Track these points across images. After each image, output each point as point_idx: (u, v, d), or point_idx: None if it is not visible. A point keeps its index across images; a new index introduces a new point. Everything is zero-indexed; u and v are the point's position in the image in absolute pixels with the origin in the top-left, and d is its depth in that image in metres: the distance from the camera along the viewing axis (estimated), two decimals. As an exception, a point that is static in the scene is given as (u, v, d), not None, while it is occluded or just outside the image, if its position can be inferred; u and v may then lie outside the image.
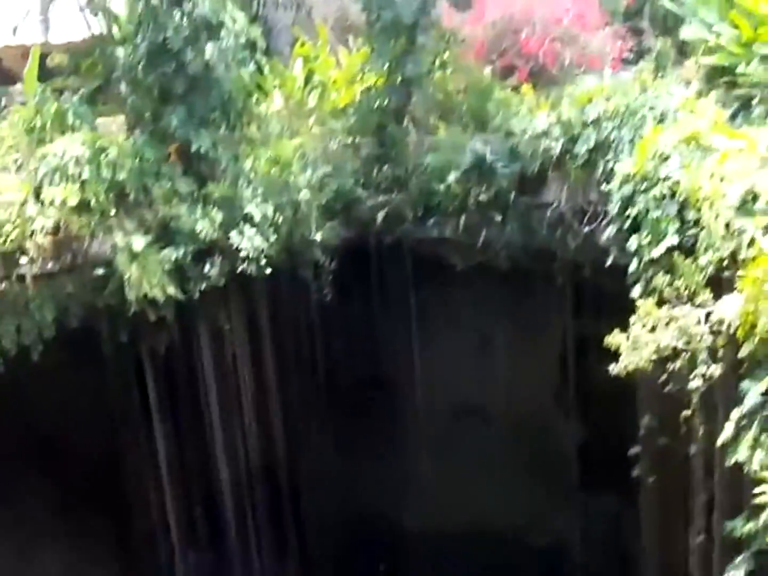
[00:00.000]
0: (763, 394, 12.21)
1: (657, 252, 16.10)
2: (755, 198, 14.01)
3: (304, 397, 28.93)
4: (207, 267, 20.94)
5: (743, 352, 12.56)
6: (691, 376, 13.86)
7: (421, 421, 27.62)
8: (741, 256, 13.27)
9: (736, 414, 12.54)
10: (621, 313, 15.73)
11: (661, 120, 19.62)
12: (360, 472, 32.81)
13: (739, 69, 19.40)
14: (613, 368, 14.62)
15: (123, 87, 22.01)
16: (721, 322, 13.19)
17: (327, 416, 30.19)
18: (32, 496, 32.00)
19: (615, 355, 14.76)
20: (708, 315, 13.64)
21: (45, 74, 24.84)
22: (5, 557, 31.72)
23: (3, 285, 19.00)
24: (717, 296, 13.72)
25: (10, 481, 31.38)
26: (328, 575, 34.55)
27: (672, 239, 15.86)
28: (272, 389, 25.22)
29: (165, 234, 20.78)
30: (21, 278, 19.16)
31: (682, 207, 16.07)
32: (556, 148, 21.83)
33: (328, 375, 29.76)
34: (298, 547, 29.37)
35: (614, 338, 14.56)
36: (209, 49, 20.98)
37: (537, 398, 30.84)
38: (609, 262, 19.17)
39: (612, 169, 19.26)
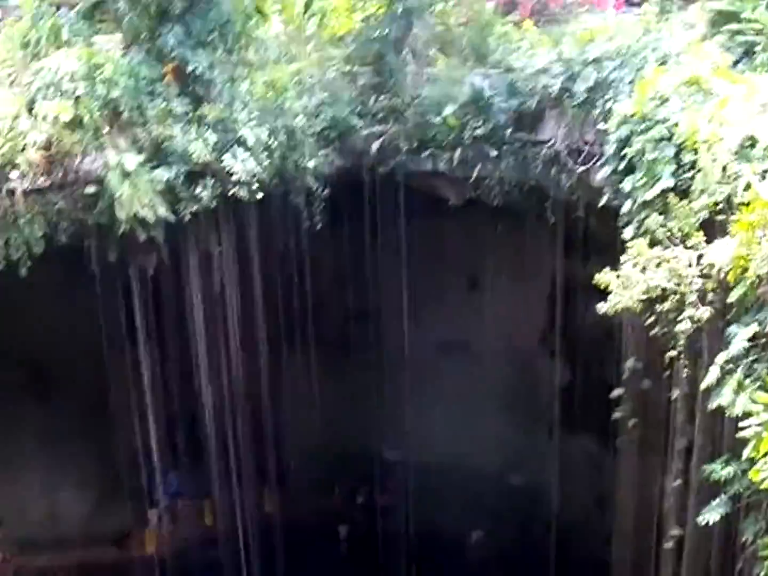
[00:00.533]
0: (749, 340, 12.25)
1: (651, 194, 15.99)
2: (754, 143, 13.95)
3: (291, 325, 28.97)
4: (198, 189, 20.78)
5: (732, 297, 12.58)
6: (679, 319, 13.84)
7: (407, 355, 27.66)
8: (736, 201, 13.22)
9: (721, 358, 12.59)
10: (611, 256, 15.72)
11: (663, 62, 19.39)
12: (343, 403, 32.99)
13: (745, 15, 19.18)
14: (602, 307, 14.62)
15: (120, 4, 21.60)
16: (712, 265, 13.17)
17: (313, 346, 30.27)
18: (17, 415, 32.18)
19: (603, 297, 14.76)
20: (699, 258, 13.62)
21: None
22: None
23: (-7, 198, 18.89)
24: (709, 240, 13.69)
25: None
26: (307, 503, 34.92)
27: (667, 181, 15.75)
28: (259, 316, 25.17)
29: (158, 154, 20.56)
30: (11, 193, 19.02)
31: (680, 150, 15.95)
32: (555, 85, 21.61)
33: (316, 304, 29.78)
34: (277, 474, 29.55)
35: (604, 276, 14.54)
36: (208, -31, 20.72)
37: (523, 337, 30.98)
38: (602, 202, 19.03)
39: (610, 109, 19.06)
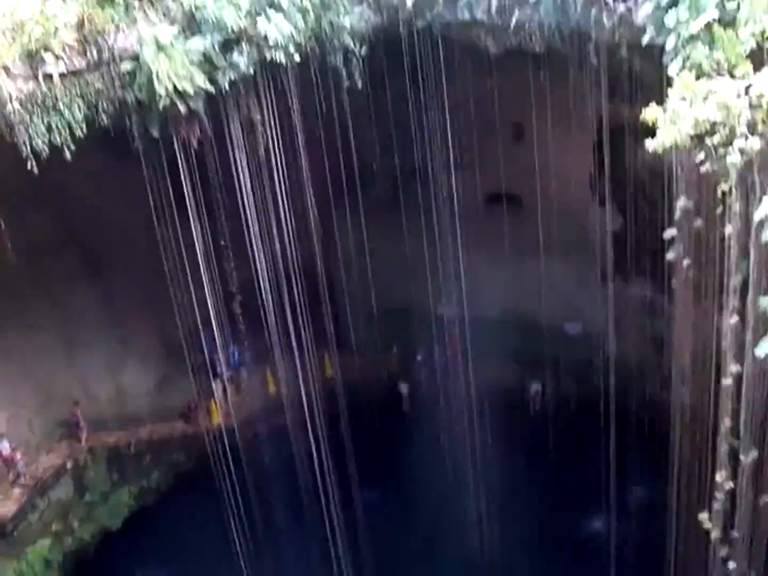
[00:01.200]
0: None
1: (696, 26, 15.53)
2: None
3: (339, 189, 28.92)
4: (235, 56, 20.54)
5: (783, 125, 12.33)
6: (729, 152, 13.58)
7: (457, 210, 27.50)
8: (784, 28, 12.87)
9: (774, 189, 12.43)
10: (657, 96, 15.37)
11: None
12: (396, 263, 33.19)
13: None
14: (650, 144, 14.36)
15: None
16: (761, 95, 12.87)
17: (362, 208, 30.27)
18: (75, 299, 32.75)
19: (651, 138, 14.50)
20: (748, 88, 13.29)
21: None
22: (55, 352, 32.73)
23: (30, 85, 18.81)
24: (757, 69, 13.35)
25: (58, 283, 32.12)
26: (367, 364, 35.43)
27: (712, 12, 15.28)
28: (306, 181, 25.10)
29: (191, 24, 20.33)
30: (48, 77, 18.93)
31: (724, -21, 15.43)
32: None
33: (363, 166, 29.68)
34: (335, 338, 29.93)
35: (651, 112, 14.23)
36: None
37: (572, 185, 30.73)
38: (646, 40, 18.49)
39: (650, -57, 18.38)
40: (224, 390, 34.35)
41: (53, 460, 31.78)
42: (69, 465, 31.87)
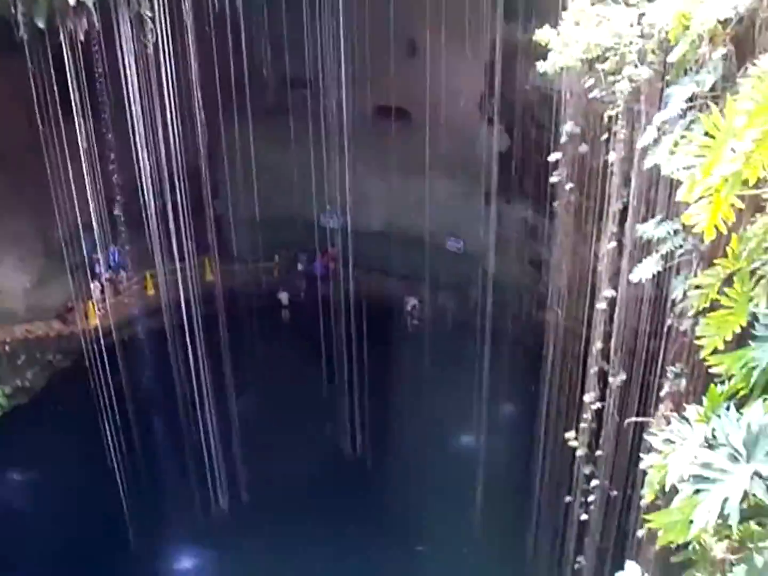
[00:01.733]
0: (687, 101, 12.26)
1: (592, -47, 15.59)
2: None
3: (227, 94, 28.49)
4: (126, -53, 19.95)
5: (672, 57, 12.48)
6: (618, 78, 13.79)
7: (347, 122, 27.38)
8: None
9: (659, 119, 12.62)
10: (552, 21, 15.44)
11: None
12: (283, 171, 32.98)
13: None
14: (542, 66, 14.49)
15: None
16: (652, 25, 13.02)
17: (251, 114, 29.93)
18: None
19: (543, 60, 14.62)
20: (640, 17, 13.45)
21: None
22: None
23: None
24: None
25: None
26: (248, 271, 35.32)
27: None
28: (195, 84, 24.55)
29: None
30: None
31: None
32: None
33: (253, 72, 29.24)
34: (217, 244, 29.72)
35: (544, 34, 14.34)
36: None
37: (461, 104, 30.84)
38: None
39: None
40: (102, 291, 33.92)
41: None
42: (-61, 362, 31.18)
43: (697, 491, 4.61)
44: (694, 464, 4.74)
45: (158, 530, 27.99)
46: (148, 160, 24.06)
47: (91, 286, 33.41)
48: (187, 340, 25.29)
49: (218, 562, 27.78)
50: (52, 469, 29.93)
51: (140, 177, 24.30)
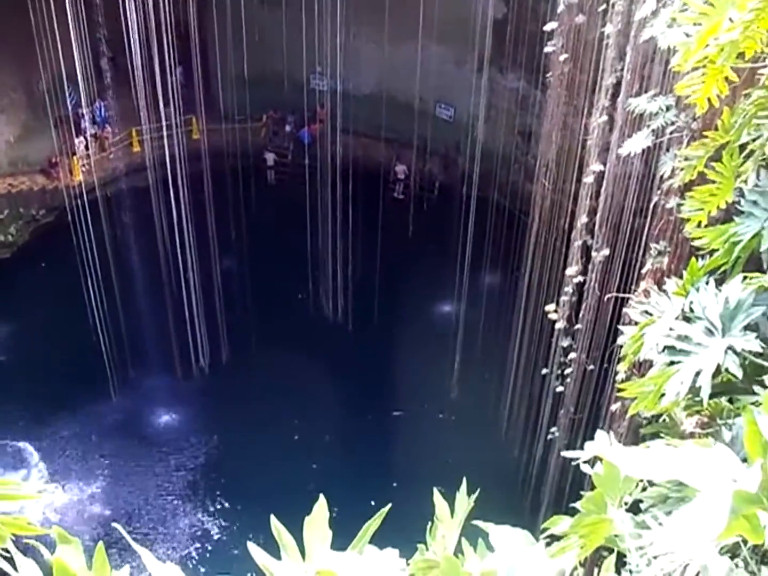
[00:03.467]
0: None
1: None
2: None
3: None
4: None
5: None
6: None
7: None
8: None
9: (659, -10, 12.35)
10: None
11: None
12: (271, 31, 32.36)
13: None
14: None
15: None
16: None
17: None
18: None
19: None
20: None
21: None
22: None
23: None
24: None
25: None
26: (232, 129, 34.86)
27: None
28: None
29: None
30: None
31: None
32: None
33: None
34: (203, 100, 29.31)
35: None
36: None
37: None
38: None
39: None
40: (87, 147, 33.55)
41: None
42: None
43: (671, 363, 4.63)
44: (669, 336, 4.75)
45: (139, 388, 28.35)
46: (136, 12, 23.53)
47: (76, 141, 33.03)
48: (172, 197, 25.17)
49: (197, 421, 28.18)
50: (34, 323, 30.10)
51: (127, 30, 23.80)
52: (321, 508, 2.92)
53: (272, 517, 2.88)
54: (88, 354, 26.35)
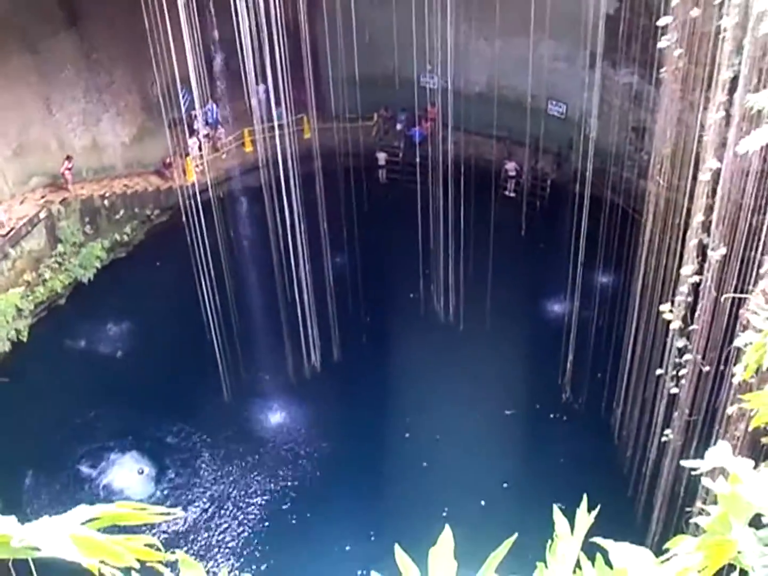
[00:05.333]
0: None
1: None
2: None
3: None
4: None
5: None
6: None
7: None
8: None
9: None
10: None
11: None
12: (381, 30, 32.49)
13: None
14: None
15: None
16: None
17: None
18: (59, 48, 31.80)
19: None
20: None
21: None
22: (32, 103, 32.04)
23: None
24: None
25: (38, 36, 31.11)
26: (343, 128, 35.04)
27: None
28: None
29: None
30: None
31: None
32: None
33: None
34: (315, 100, 29.48)
35: None
36: None
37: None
38: None
39: None
40: (200, 148, 34.11)
41: (27, 210, 31.43)
42: (42, 215, 31.61)
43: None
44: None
45: (251, 386, 28.67)
46: (247, 15, 23.76)
47: (189, 142, 33.60)
48: (284, 197, 25.38)
49: (310, 421, 28.35)
50: (149, 321, 30.76)
51: (239, 32, 24.06)
52: (446, 538, 2.89)
53: (396, 548, 2.86)
54: (202, 353, 26.76)
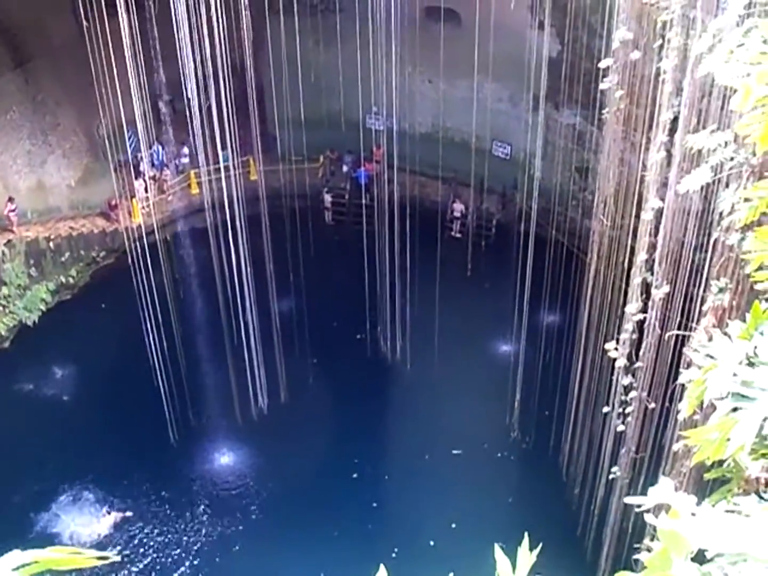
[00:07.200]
0: (744, 6, 11.88)
1: None
2: None
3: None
4: None
5: (730, -39, 12.08)
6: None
7: (393, 22, 26.79)
8: None
9: (715, 25, 12.26)
10: None
11: None
12: (326, 72, 32.63)
13: None
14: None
15: None
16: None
17: (296, 13, 29.55)
18: (2, 88, 31.66)
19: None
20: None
21: None
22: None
23: None
24: None
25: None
26: (289, 170, 35.11)
27: None
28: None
29: None
30: None
31: None
32: None
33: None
34: (261, 142, 29.48)
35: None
36: None
37: (511, 7, 30.14)
38: None
39: None
40: (146, 189, 34.00)
41: (-31, 256, 31.18)
42: (-14, 258, 31.33)
43: (735, 409, 4.52)
44: (733, 382, 4.64)
45: (198, 428, 28.43)
46: (193, 56, 23.78)
47: (135, 184, 33.49)
48: (230, 239, 25.31)
49: (257, 462, 28.17)
50: (95, 364, 30.42)
51: (184, 74, 24.07)
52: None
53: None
54: (148, 395, 26.48)
